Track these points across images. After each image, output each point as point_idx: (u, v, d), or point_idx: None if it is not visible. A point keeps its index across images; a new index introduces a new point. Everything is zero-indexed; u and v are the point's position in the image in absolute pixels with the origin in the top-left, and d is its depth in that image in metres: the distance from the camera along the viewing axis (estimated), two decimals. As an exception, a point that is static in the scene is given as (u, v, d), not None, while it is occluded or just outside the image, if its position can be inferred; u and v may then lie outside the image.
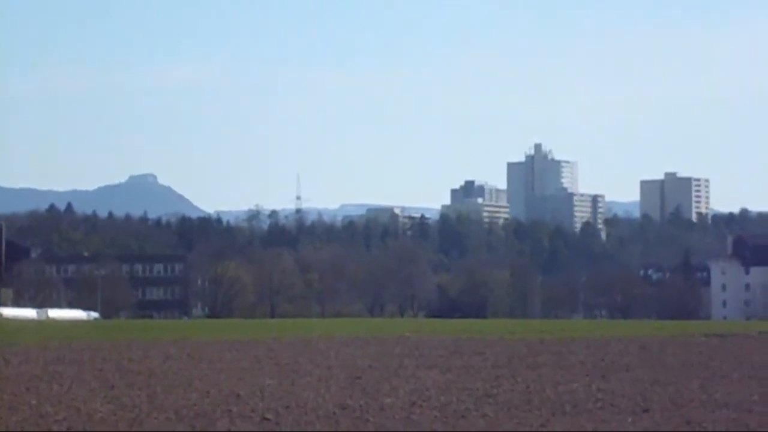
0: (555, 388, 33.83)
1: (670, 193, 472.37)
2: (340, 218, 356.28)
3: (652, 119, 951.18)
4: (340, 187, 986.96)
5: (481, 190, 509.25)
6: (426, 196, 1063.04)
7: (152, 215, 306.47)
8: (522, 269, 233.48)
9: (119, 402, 30.32)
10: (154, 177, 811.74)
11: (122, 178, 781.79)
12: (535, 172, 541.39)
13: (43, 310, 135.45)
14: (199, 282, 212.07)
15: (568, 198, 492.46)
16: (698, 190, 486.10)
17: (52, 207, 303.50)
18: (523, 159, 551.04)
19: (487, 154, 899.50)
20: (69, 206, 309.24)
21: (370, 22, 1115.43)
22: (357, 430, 25.43)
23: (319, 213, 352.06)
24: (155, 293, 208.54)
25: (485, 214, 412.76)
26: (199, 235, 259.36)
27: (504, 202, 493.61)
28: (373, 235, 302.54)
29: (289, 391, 32.93)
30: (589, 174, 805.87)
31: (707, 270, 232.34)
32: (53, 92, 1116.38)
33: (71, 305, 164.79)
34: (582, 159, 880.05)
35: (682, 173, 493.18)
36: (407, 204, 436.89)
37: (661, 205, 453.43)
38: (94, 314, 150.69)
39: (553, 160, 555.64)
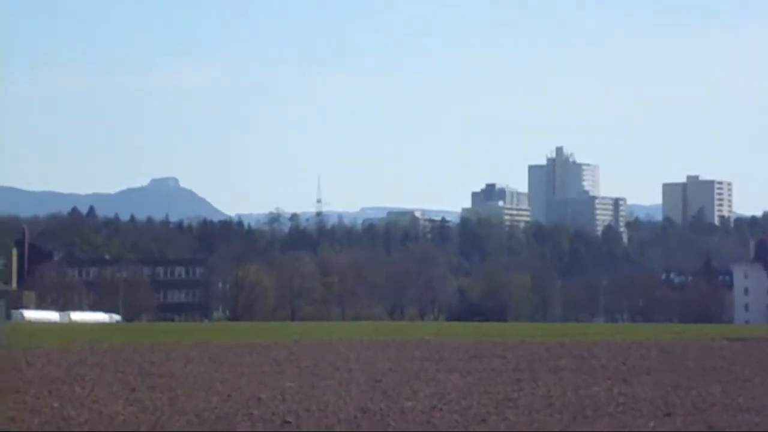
0: (576, 391, 33.71)
1: (692, 197, 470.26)
2: (360, 221, 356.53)
3: (675, 122, 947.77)
4: (361, 190, 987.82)
5: (502, 194, 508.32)
6: (447, 199, 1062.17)
7: (174, 218, 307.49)
8: (543, 273, 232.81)
9: (141, 405, 30.41)
10: (176, 180, 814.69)
11: (144, 182, 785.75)
12: (557, 175, 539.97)
13: (65, 313, 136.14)
14: (220, 285, 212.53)
15: (589, 201, 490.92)
16: (720, 194, 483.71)
17: (74, 210, 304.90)
18: (544, 162, 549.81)
19: (509, 157, 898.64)
20: (91, 209, 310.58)
21: (394, 25, 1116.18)
22: (378, 433, 25.42)
23: (340, 216, 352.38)
24: (176, 296, 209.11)
25: (506, 217, 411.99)
26: (220, 239, 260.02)
27: (525, 206, 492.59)
28: (394, 238, 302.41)
29: (309, 394, 32.95)
30: (611, 177, 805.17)
31: (729, 274, 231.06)
32: (77, 96, 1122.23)
33: (93, 308, 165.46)
34: (604, 162, 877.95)
35: (705, 176, 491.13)
36: (428, 207, 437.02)
37: (684, 209, 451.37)
38: (116, 317, 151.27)
39: (574, 163, 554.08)
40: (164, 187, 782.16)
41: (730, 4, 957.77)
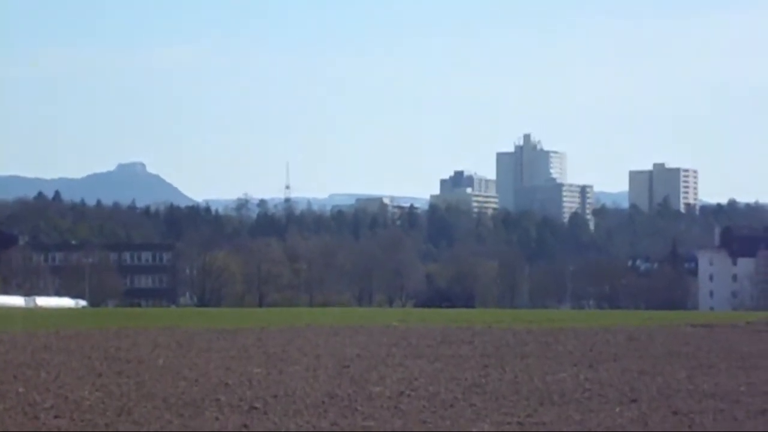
0: (543, 377, 33.89)
1: (658, 184, 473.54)
2: (329, 207, 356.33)
3: (641, 110, 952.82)
4: (329, 176, 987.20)
5: (470, 180, 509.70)
6: (415, 185, 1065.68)
7: (140, 204, 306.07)
8: (510, 259, 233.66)
9: (107, 390, 30.28)
10: (143, 165, 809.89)
11: (110, 167, 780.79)
12: (524, 162, 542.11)
13: (30, 298, 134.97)
14: (188, 271, 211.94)
15: (556, 188, 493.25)
16: (686, 181, 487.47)
17: (39, 195, 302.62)
18: (512, 149, 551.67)
19: (477, 144, 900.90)
20: (57, 194, 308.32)
21: (360, 11, 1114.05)
22: (345, 419, 25.45)
23: (308, 202, 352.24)
24: (143, 281, 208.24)
25: (474, 204, 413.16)
26: (187, 224, 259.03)
27: (493, 192, 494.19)
28: (362, 224, 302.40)
29: (277, 380, 32.93)
30: (578, 164, 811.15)
31: (695, 261, 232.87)
32: (42, 79, 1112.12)
33: (59, 293, 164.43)
34: (571, 149, 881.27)
35: (671, 164, 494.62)
36: (396, 194, 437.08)
37: (650, 196, 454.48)
38: (82, 302, 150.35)
39: (542, 150, 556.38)
40: (131, 172, 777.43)
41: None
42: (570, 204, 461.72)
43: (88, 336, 53.38)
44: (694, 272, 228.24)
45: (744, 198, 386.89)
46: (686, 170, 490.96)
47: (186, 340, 50.50)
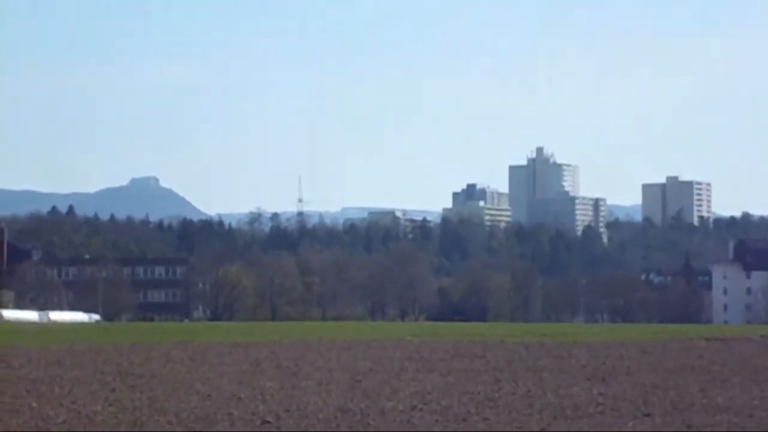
0: (556, 391, 33.83)
1: (671, 197, 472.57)
2: (341, 221, 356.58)
3: (654, 123, 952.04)
4: (342, 189, 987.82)
5: (482, 194, 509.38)
6: (428, 199, 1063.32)
7: (154, 218, 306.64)
8: (523, 273, 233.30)
9: (120, 405, 30.34)
10: (156, 179, 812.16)
11: (124, 181, 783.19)
12: (537, 175, 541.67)
13: (44, 313, 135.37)
14: (201, 285, 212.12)
15: (569, 201, 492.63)
16: (700, 194, 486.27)
17: (53, 209, 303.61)
18: (525, 162, 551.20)
19: (489, 157, 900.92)
20: (70, 209, 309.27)
21: (372, 23, 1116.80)
22: (358, 433, 25.43)
23: (321, 216, 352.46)
24: (156, 296, 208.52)
25: (487, 217, 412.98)
26: (200, 238, 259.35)
27: (506, 206, 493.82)
28: (375, 238, 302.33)
29: (289, 395, 32.95)
30: (591, 177, 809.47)
31: (709, 274, 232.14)
32: (55, 94, 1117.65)
33: (72, 307, 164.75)
34: (584, 162, 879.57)
35: (684, 177, 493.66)
36: (409, 207, 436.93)
37: (663, 209, 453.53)
38: (96, 317, 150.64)
39: (554, 163, 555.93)
40: (144, 187, 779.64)
41: (709, 7, 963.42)
42: (583, 217, 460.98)
43: (101, 350, 53.49)
44: (708, 286, 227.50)
45: (758, 211, 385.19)
46: (699, 183, 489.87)
47: (199, 354, 50.57)
